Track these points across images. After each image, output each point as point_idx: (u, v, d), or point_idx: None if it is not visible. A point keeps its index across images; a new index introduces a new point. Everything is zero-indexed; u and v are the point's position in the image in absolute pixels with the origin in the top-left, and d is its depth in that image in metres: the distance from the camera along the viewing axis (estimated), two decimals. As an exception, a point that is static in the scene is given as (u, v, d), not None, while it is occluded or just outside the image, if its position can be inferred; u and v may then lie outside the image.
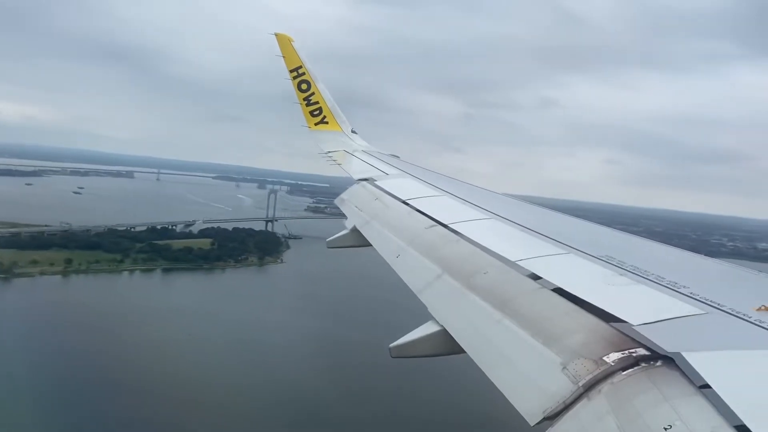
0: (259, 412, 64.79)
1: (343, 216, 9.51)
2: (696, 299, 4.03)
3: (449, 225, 6.95)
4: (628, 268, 4.85)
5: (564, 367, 3.49)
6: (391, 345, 4.88)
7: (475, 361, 4.12)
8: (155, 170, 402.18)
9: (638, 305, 4.03)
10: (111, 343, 78.97)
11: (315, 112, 15.76)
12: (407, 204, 8.43)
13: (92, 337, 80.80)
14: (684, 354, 3.15)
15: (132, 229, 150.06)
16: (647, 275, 4.63)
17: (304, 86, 15.55)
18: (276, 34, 15.22)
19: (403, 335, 4.92)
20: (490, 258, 5.57)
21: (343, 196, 10.33)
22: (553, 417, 3.25)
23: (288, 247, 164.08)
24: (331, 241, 8.99)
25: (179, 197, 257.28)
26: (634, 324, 3.66)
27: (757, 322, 3.59)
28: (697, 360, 3.06)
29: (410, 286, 5.72)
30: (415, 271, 6.07)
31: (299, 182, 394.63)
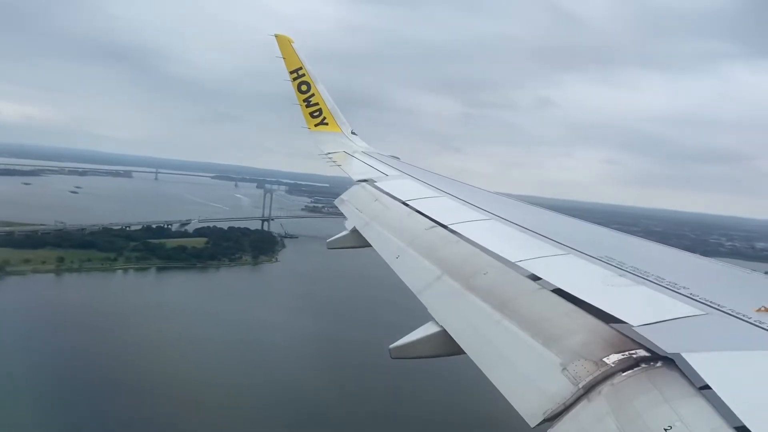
0: (258, 412, 64.57)
1: (340, 215, 9.52)
2: (696, 300, 4.04)
3: (449, 226, 6.95)
4: (627, 269, 4.86)
5: (564, 368, 3.49)
6: (391, 346, 4.88)
7: (475, 361, 4.11)
8: (154, 170, 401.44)
9: (638, 306, 4.03)
10: (100, 341, 78.70)
11: (315, 114, 15.79)
12: (407, 205, 8.44)
13: (81, 334, 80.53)
14: (684, 355, 3.16)
15: (127, 228, 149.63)
16: (647, 276, 4.63)
17: (304, 87, 15.57)
18: (276, 36, 15.22)
19: (402, 336, 4.92)
20: (489, 259, 5.58)
21: (343, 197, 10.34)
22: (553, 418, 3.25)
23: (284, 246, 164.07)
24: (331, 241, 9.02)
25: (177, 197, 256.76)
26: (634, 325, 3.67)
27: (756, 323, 3.60)
28: (697, 361, 3.06)
29: (410, 287, 5.71)
30: (415, 271, 6.07)
31: (299, 182, 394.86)
